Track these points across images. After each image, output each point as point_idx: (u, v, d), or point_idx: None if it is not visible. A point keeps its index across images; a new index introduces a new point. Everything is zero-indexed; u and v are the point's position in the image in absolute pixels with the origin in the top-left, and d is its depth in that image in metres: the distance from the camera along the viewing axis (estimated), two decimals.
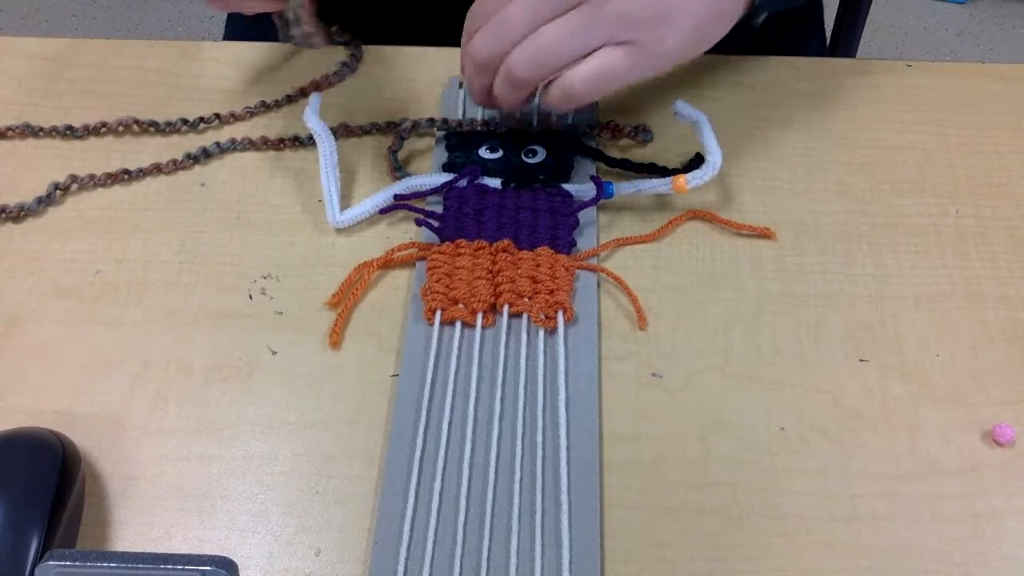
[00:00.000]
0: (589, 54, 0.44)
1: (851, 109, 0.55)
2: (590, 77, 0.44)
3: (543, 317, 0.44)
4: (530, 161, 0.50)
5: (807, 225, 0.49)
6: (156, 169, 0.51)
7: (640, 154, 0.52)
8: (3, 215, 0.49)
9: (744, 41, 0.49)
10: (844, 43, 0.87)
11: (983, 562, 0.38)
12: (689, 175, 0.48)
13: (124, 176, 0.51)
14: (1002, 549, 0.38)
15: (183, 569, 0.31)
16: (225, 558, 0.32)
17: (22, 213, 0.49)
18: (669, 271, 0.47)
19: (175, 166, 0.52)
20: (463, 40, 0.47)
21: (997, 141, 0.53)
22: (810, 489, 0.40)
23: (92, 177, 0.51)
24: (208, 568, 0.31)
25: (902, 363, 0.44)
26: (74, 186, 0.51)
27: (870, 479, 0.40)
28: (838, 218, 0.49)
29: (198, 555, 0.32)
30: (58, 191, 0.50)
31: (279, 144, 0.52)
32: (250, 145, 0.52)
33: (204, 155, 0.52)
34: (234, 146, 0.52)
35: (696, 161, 0.49)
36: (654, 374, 0.43)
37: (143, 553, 0.32)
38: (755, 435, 0.41)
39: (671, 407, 0.42)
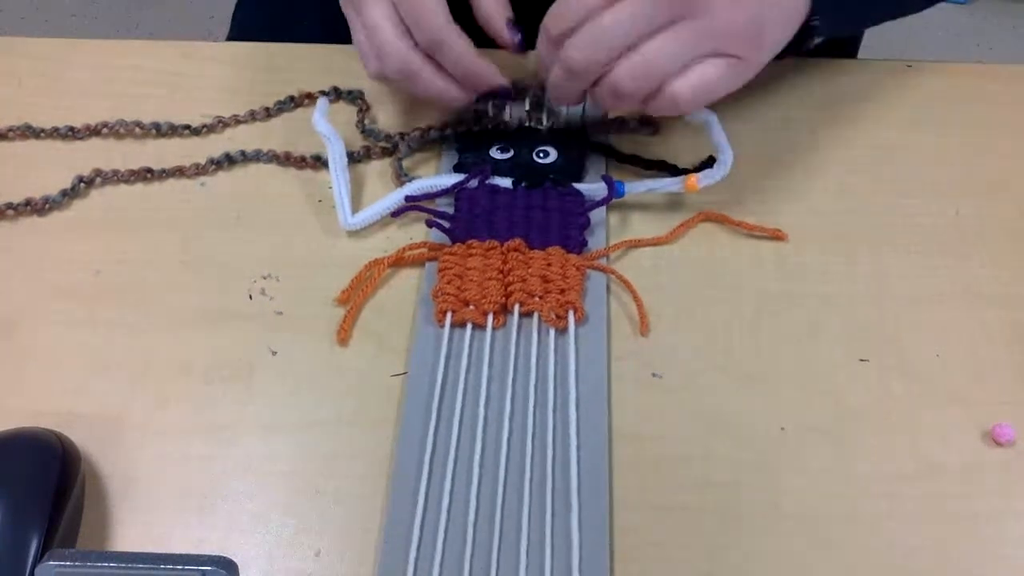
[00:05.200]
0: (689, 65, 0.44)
1: (851, 109, 0.55)
2: (699, 88, 0.44)
3: (554, 317, 0.44)
4: (541, 161, 0.50)
5: (807, 225, 0.49)
6: (179, 172, 0.51)
7: (648, 150, 0.52)
8: (28, 208, 0.49)
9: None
10: (844, 43, 0.87)
11: (983, 562, 0.38)
12: (700, 175, 0.48)
13: (147, 175, 0.51)
14: (1002, 549, 0.38)
15: (183, 569, 0.31)
16: (225, 558, 0.32)
17: (47, 206, 0.49)
18: (669, 271, 0.47)
19: (197, 170, 0.52)
20: (542, 42, 0.47)
21: (997, 141, 0.53)
22: (810, 489, 0.40)
23: (116, 173, 0.51)
24: (208, 568, 0.31)
25: (902, 363, 0.44)
26: (98, 179, 0.51)
27: (870, 479, 0.40)
28: (838, 218, 0.49)
29: (198, 555, 0.32)
30: (82, 184, 0.50)
31: (301, 162, 0.52)
32: (274, 158, 0.52)
33: (228, 161, 0.52)
34: (258, 156, 0.52)
35: (709, 162, 0.50)
36: (654, 374, 0.43)
37: (143, 553, 0.32)
38: (755, 435, 0.41)
39: (671, 407, 0.42)
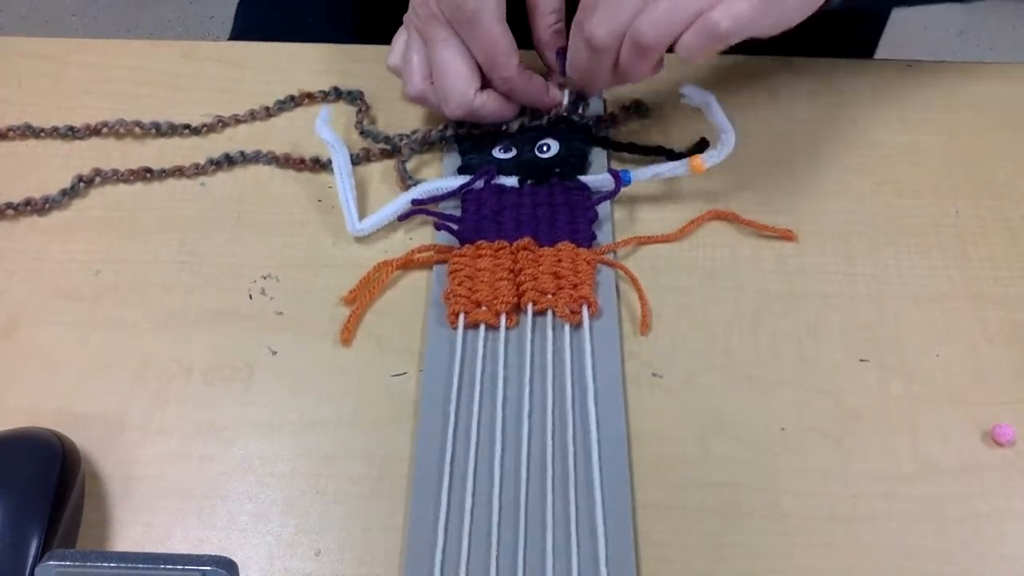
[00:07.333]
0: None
1: (851, 109, 0.55)
2: (739, 15, 0.41)
3: (568, 312, 0.44)
4: (544, 156, 0.50)
5: (807, 225, 0.49)
6: (179, 172, 0.51)
7: (645, 138, 0.52)
8: (28, 208, 0.49)
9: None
10: (861, 42, 0.86)
11: (983, 562, 0.38)
12: (705, 155, 0.48)
13: (147, 175, 0.51)
14: (1002, 549, 0.38)
15: (183, 569, 0.31)
16: (225, 558, 0.32)
17: (47, 206, 0.50)
18: (669, 271, 0.47)
19: (197, 170, 0.52)
20: (574, 30, 0.46)
21: (997, 141, 0.53)
22: (810, 489, 0.40)
23: (116, 172, 0.51)
24: (208, 568, 0.31)
25: (902, 363, 0.44)
26: (97, 179, 0.51)
27: (870, 479, 0.40)
28: (838, 218, 0.49)
29: (198, 555, 0.32)
30: (82, 184, 0.50)
31: (300, 163, 0.52)
32: (273, 160, 0.52)
33: (228, 162, 0.52)
34: (258, 157, 0.52)
35: (701, 145, 0.50)
36: (654, 374, 0.43)
37: (143, 553, 0.32)
38: (755, 435, 0.41)
39: (671, 407, 0.42)
